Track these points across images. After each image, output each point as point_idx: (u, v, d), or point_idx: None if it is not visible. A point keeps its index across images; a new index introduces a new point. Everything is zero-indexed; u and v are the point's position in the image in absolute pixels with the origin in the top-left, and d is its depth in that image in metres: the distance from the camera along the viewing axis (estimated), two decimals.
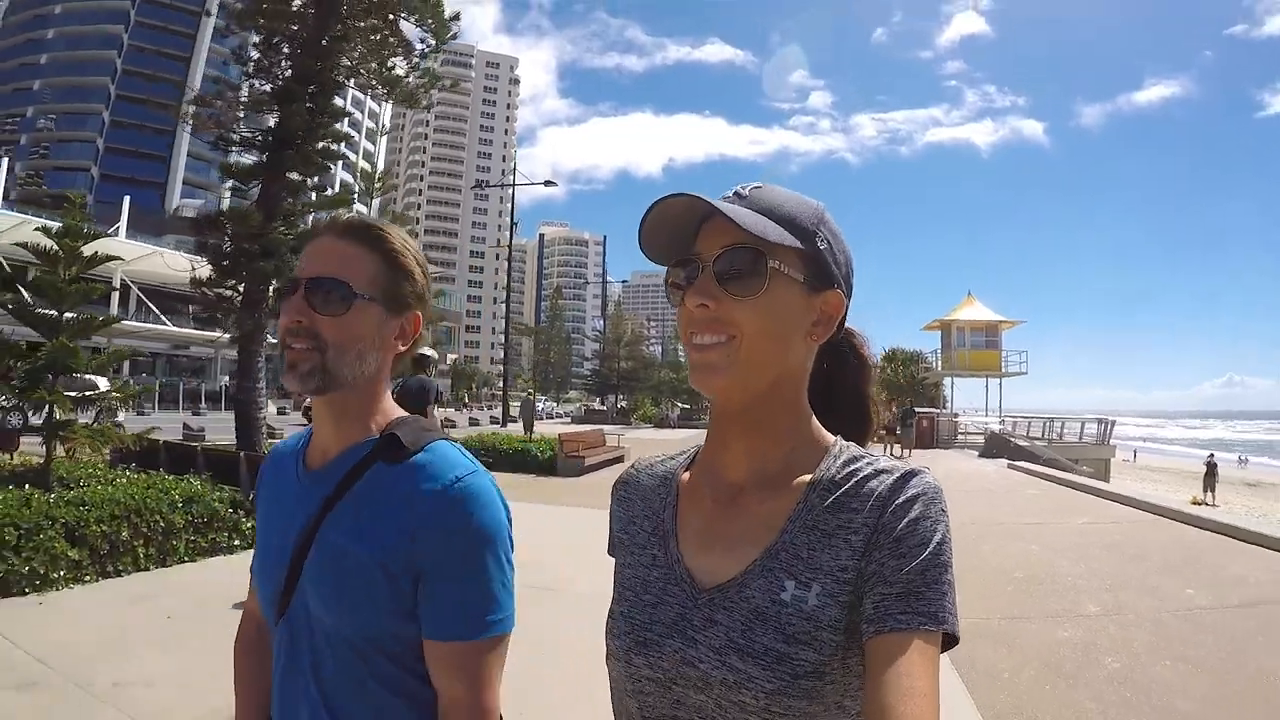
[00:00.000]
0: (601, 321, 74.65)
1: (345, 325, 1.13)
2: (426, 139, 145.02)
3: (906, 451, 25.01)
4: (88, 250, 7.53)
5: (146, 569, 6.42)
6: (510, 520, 1.16)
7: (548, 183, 34.78)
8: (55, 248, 7.35)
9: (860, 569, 0.81)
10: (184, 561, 6.75)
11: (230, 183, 14.24)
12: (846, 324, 0.99)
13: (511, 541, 1.15)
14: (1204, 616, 6.19)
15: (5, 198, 61.19)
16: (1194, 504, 16.31)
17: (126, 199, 48.76)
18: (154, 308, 45.46)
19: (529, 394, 36.73)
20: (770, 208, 0.88)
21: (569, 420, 45.55)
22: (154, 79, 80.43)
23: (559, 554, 7.27)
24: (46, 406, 7.18)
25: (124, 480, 7.36)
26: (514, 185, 36.05)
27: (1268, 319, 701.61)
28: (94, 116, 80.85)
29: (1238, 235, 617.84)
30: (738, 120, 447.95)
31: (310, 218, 13.50)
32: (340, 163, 17.31)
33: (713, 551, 0.91)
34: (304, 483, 1.18)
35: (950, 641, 0.79)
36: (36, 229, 7.93)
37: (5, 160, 45.07)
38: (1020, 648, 5.31)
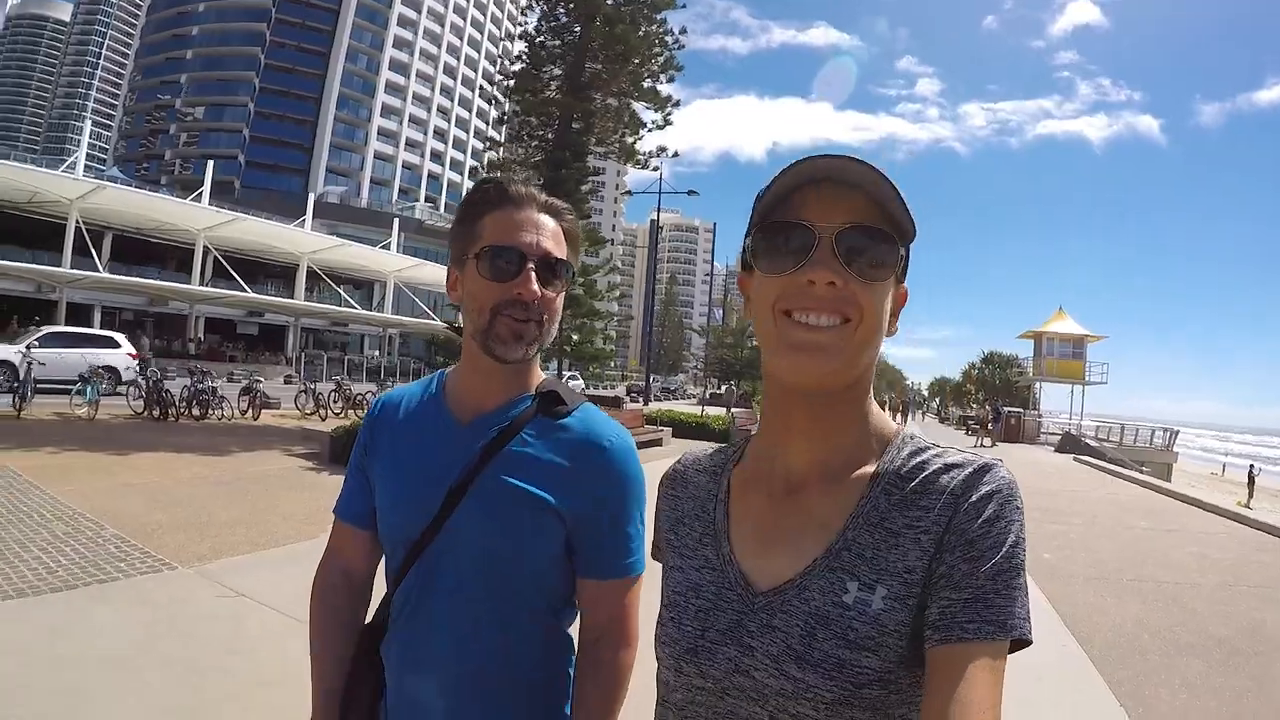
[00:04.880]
0: (711, 309, 78.66)
1: (559, 302, 1.26)
2: None
3: (991, 442, 30.01)
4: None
5: None
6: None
7: (690, 192, 39.81)
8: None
9: (930, 570, 0.78)
10: None
11: None
12: None
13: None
14: (1139, 530, 11.07)
15: (158, 181, 68.67)
16: (1237, 505, 19.95)
17: (311, 196, 55.03)
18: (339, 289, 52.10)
19: (731, 385, 42.49)
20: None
21: (695, 401, 51.27)
22: (295, 73, 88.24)
23: None
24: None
25: None
26: (659, 193, 40.61)
27: None
28: (239, 108, 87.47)
29: None
30: (844, 105, 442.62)
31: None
32: None
33: (769, 551, 0.88)
34: (459, 430, 1.27)
35: (1022, 644, 0.76)
36: None
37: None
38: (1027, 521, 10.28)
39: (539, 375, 1.32)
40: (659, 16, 18.80)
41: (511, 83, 19.69)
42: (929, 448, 0.87)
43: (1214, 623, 6.31)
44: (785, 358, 0.83)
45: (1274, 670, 5.24)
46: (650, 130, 19.31)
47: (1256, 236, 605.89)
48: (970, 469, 0.82)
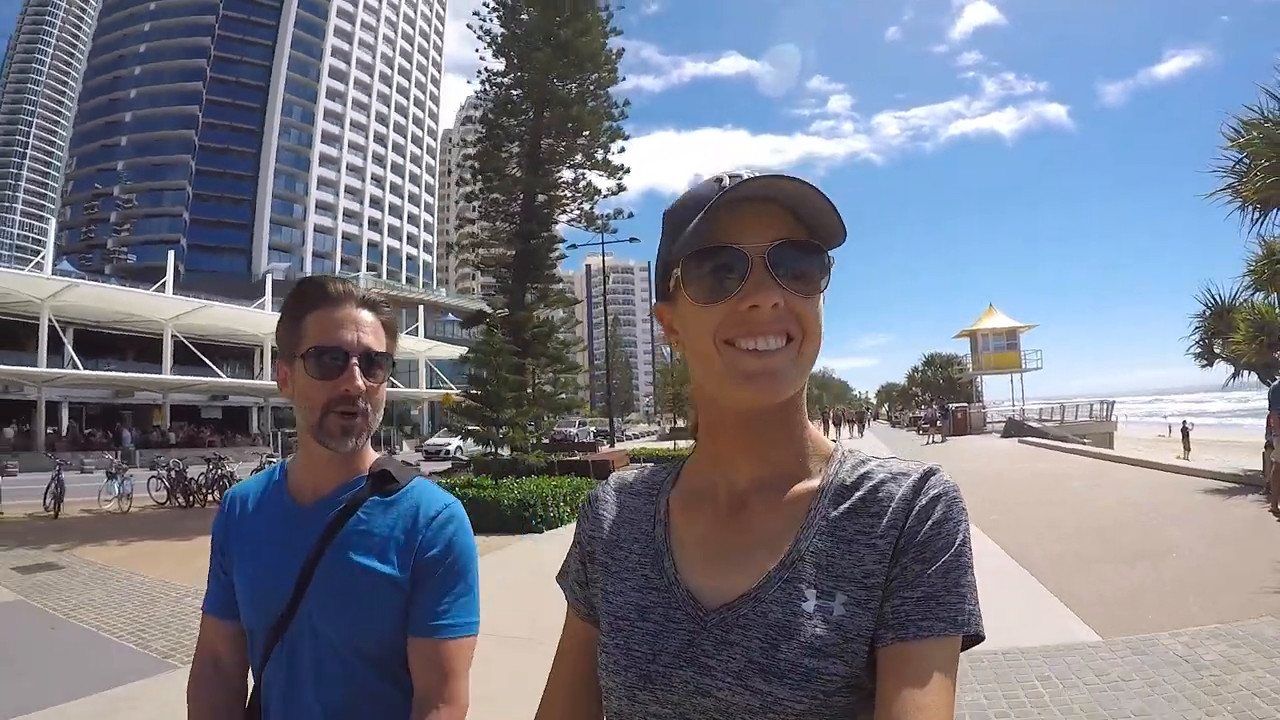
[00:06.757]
0: (655, 347, 79.44)
1: (382, 391, 1.35)
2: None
3: (942, 438, 33.00)
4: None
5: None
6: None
7: (631, 239, 41.72)
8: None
9: (889, 574, 0.78)
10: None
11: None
12: None
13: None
14: (1073, 489, 13.36)
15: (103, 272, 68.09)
16: (1176, 458, 22.11)
17: (268, 276, 55.95)
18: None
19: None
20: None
21: (657, 437, 53.41)
22: (229, 153, 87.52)
23: None
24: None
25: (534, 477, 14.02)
26: (603, 243, 42.20)
27: None
28: (178, 191, 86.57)
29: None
30: (759, 130, 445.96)
31: (547, 311, 20.77)
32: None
33: (717, 570, 0.85)
34: (298, 516, 1.34)
35: (974, 640, 0.78)
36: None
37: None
38: (978, 497, 12.41)
39: (371, 456, 1.38)
40: (603, 93, 20.87)
41: (476, 164, 21.25)
42: (870, 459, 0.88)
43: (1128, 542, 8.44)
44: (740, 388, 0.80)
45: (1166, 563, 7.33)
46: (606, 196, 21.34)
47: (1170, 204, 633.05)
48: (915, 476, 0.82)
